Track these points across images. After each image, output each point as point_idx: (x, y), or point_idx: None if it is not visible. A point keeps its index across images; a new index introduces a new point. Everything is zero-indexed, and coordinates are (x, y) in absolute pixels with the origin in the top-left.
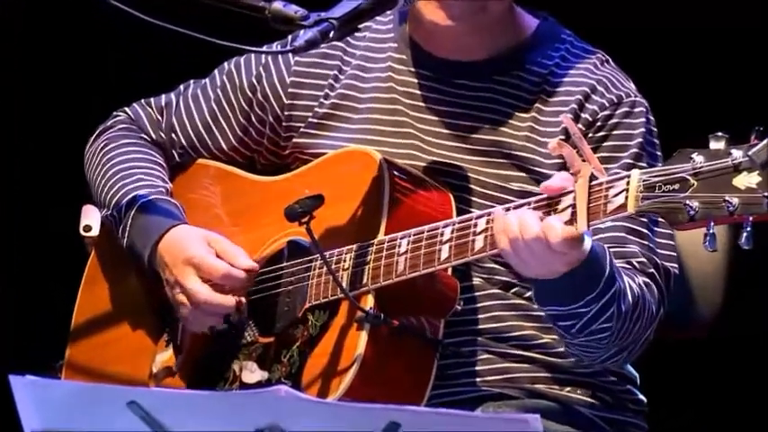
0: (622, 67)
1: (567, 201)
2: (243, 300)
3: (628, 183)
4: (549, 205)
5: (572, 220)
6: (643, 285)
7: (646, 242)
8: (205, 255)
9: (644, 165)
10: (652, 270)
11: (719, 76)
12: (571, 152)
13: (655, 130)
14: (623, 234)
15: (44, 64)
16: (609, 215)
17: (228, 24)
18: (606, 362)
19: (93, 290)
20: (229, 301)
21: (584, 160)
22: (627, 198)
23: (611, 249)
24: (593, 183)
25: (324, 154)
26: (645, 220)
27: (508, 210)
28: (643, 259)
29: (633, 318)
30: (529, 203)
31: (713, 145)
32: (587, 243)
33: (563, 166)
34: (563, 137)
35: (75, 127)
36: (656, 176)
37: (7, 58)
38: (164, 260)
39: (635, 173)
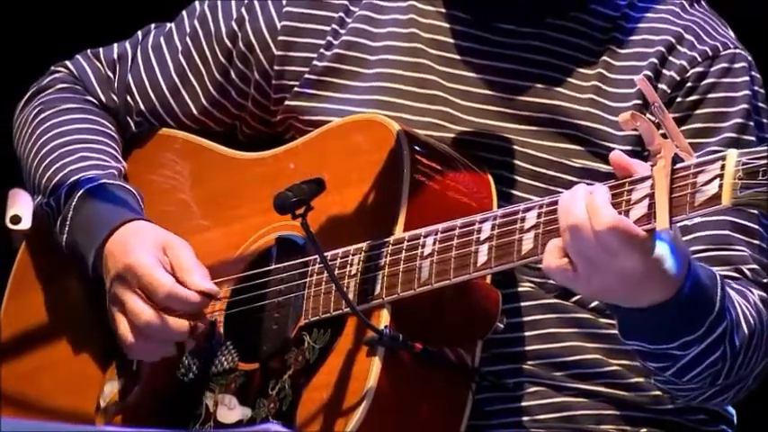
0: (720, 12)
1: (642, 189)
2: (201, 324)
3: (723, 167)
4: (620, 195)
5: (650, 215)
6: (759, 304)
7: (757, 242)
8: (150, 265)
9: (751, 139)
10: (767, 280)
11: None
12: (648, 126)
13: (762, 92)
14: (728, 232)
15: None
16: (698, 209)
17: None
18: (709, 401)
19: (23, 299)
20: (181, 325)
21: (665, 135)
22: (721, 186)
23: (712, 253)
24: (678, 166)
25: (324, 123)
26: (755, 212)
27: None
28: (755, 266)
29: (749, 352)
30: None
31: None
32: (660, 248)
33: (639, 140)
34: (638, 101)
35: (4, 86)
36: (759, 158)
37: None
38: (107, 265)
39: (732, 153)
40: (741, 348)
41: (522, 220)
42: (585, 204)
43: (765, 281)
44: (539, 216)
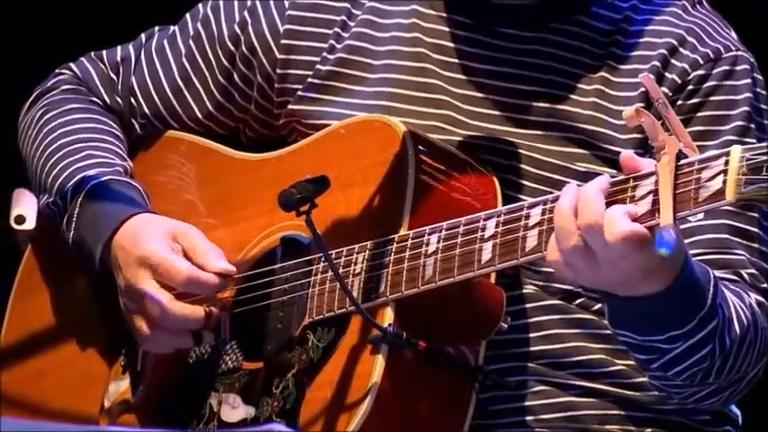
0: (721, 13)
1: (646, 186)
2: (216, 311)
3: (726, 162)
4: (624, 191)
5: (654, 211)
6: (756, 307)
7: (756, 245)
8: (165, 253)
9: (751, 141)
10: (766, 285)
11: None
12: (653, 122)
13: (764, 93)
14: (726, 236)
15: None
16: (701, 205)
17: None
18: (702, 402)
19: (28, 300)
20: (198, 312)
21: (669, 133)
22: (725, 182)
23: (711, 257)
24: (682, 162)
25: (328, 125)
26: (755, 215)
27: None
28: (754, 270)
29: (741, 353)
30: None
31: None
32: (665, 245)
33: (642, 143)
34: (642, 104)
35: (7, 88)
36: (763, 153)
37: None
38: (117, 260)
39: (735, 149)
40: (732, 348)
41: (527, 217)
42: (605, 217)
43: (763, 285)
44: (543, 213)
